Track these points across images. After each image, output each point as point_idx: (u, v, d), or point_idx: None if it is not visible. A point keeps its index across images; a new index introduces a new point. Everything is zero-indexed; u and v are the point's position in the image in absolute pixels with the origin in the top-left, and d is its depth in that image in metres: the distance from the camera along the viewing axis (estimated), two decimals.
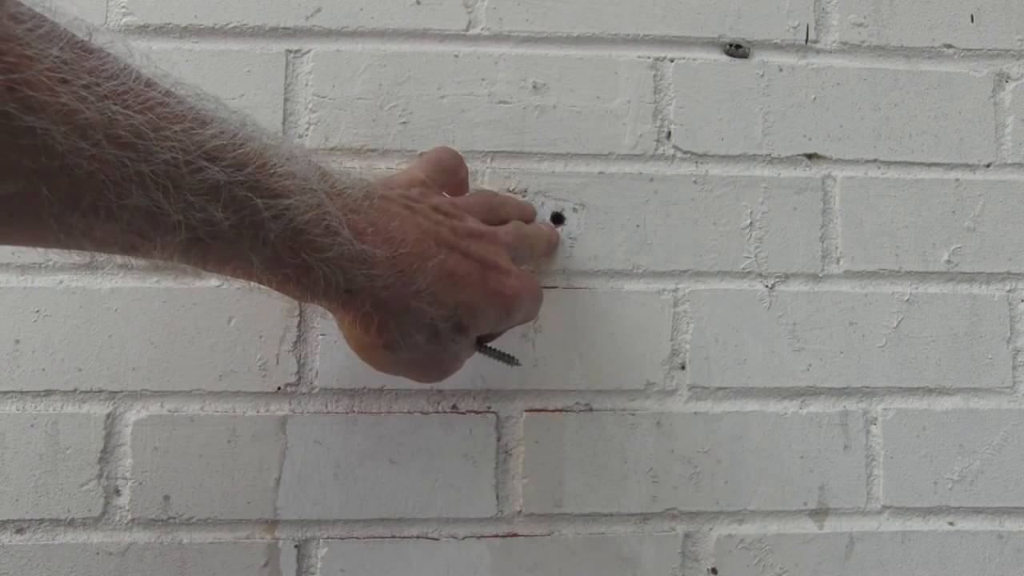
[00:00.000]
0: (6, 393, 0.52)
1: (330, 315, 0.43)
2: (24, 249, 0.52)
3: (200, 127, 0.33)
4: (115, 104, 0.30)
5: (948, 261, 0.57)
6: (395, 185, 0.44)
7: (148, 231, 0.32)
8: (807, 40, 0.58)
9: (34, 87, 0.28)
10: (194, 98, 0.34)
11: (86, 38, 0.32)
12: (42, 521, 0.51)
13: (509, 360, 0.50)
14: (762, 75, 0.57)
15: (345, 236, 0.37)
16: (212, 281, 0.53)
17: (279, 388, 0.53)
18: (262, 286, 0.38)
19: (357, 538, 0.52)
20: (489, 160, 0.55)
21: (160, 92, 0.33)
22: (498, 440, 0.53)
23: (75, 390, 0.52)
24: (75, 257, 0.52)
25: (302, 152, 0.37)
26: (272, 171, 0.35)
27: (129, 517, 0.51)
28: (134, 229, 0.32)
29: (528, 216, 0.53)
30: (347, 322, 0.41)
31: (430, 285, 0.40)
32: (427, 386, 0.53)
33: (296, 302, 0.53)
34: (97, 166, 0.30)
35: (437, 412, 0.53)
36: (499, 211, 0.50)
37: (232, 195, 0.33)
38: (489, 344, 0.49)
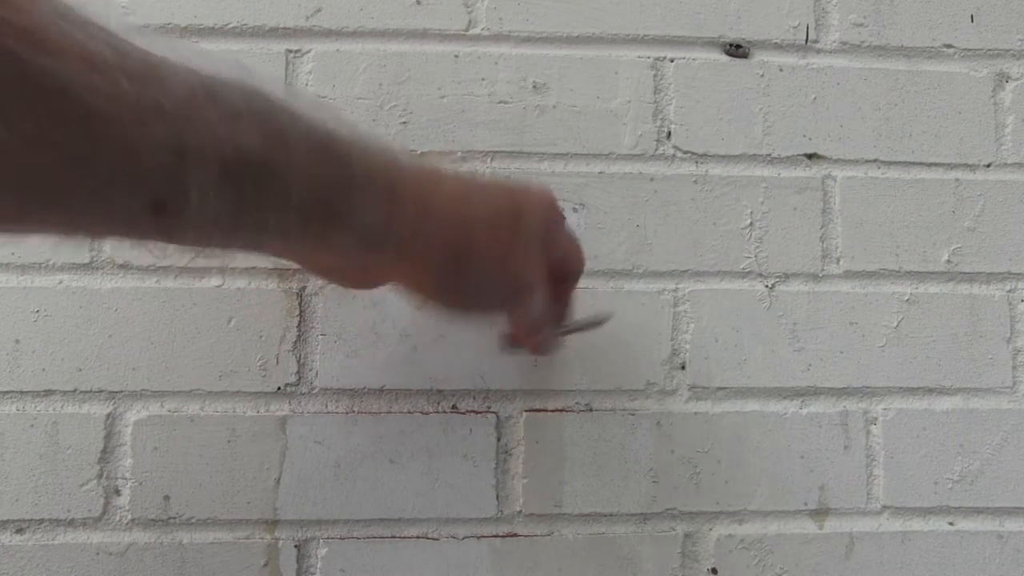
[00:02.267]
0: (6, 393, 0.52)
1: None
2: (24, 249, 0.52)
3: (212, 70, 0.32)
4: (121, 42, 0.29)
5: (948, 261, 0.57)
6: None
7: (177, 168, 0.30)
8: (807, 40, 0.58)
9: (43, 29, 0.27)
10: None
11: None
12: (42, 521, 0.51)
13: (597, 322, 0.50)
14: (762, 75, 0.58)
15: (366, 143, 0.37)
16: (212, 281, 0.53)
17: (279, 388, 0.53)
18: (298, 225, 0.36)
19: (357, 538, 0.52)
20: (489, 160, 0.55)
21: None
22: (498, 440, 0.53)
23: (75, 390, 0.52)
24: (75, 257, 0.52)
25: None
26: (280, 96, 0.35)
27: (129, 517, 0.51)
28: (163, 167, 0.30)
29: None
30: (412, 251, 0.39)
31: (461, 195, 0.40)
32: (427, 386, 0.53)
33: (296, 301, 0.53)
34: (115, 106, 0.28)
35: (437, 412, 0.53)
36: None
37: (254, 113, 0.32)
38: (567, 324, 0.49)
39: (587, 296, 0.55)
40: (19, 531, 0.51)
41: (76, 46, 0.27)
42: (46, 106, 0.27)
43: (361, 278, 0.46)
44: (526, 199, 0.42)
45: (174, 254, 0.34)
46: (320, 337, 0.53)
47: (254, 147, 0.32)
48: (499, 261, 0.41)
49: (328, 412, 0.53)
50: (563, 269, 0.46)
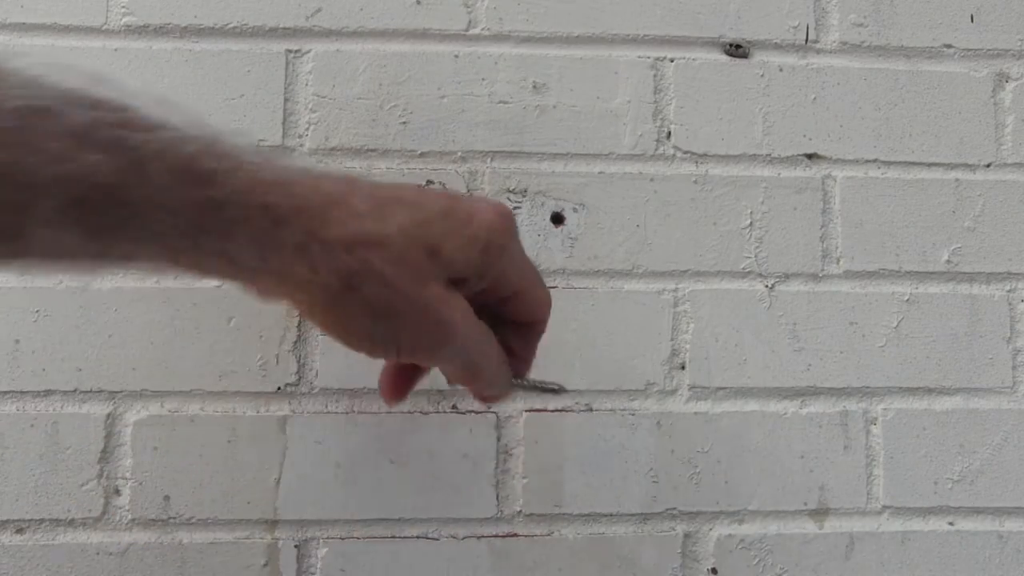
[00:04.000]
0: (6, 393, 0.52)
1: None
2: None
3: (40, 79, 0.29)
4: None
5: (948, 261, 0.57)
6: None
7: (17, 198, 0.27)
8: (807, 40, 0.58)
9: None
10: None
11: None
12: (42, 521, 0.51)
13: (553, 389, 0.44)
14: (762, 75, 0.58)
15: (248, 162, 0.31)
16: (212, 281, 0.53)
17: (279, 388, 0.53)
18: (182, 268, 0.32)
19: (357, 538, 0.52)
20: (489, 160, 0.55)
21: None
22: (498, 440, 0.53)
23: (75, 390, 0.52)
24: None
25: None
26: (142, 111, 0.30)
27: (129, 517, 0.51)
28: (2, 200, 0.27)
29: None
30: (288, 272, 0.33)
31: (372, 209, 0.33)
32: (427, 386, 0.53)
33: None
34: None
35: (437, 412, 0.53)
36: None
37: (100, 137, 0.28)
38: (527, 377, 0.43)
39: (587, 296, 0.55)
40: (19, 531, 0.51)
41: None
42: None
43: (267, 298, 0.37)
44: (467, 215, 0.35)
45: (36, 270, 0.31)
46: (320, 337, 0.53)
47: (102, 172, 0.28)
48: (404, 292, 0.33)
49: (328, 412, 0.53)
50: (521, 312, 0.39)
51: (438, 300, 0.34)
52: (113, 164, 0.28)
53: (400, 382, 0.41)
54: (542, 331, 0.42)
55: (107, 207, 0.29)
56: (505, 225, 0.36)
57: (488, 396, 0.42)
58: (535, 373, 0.44)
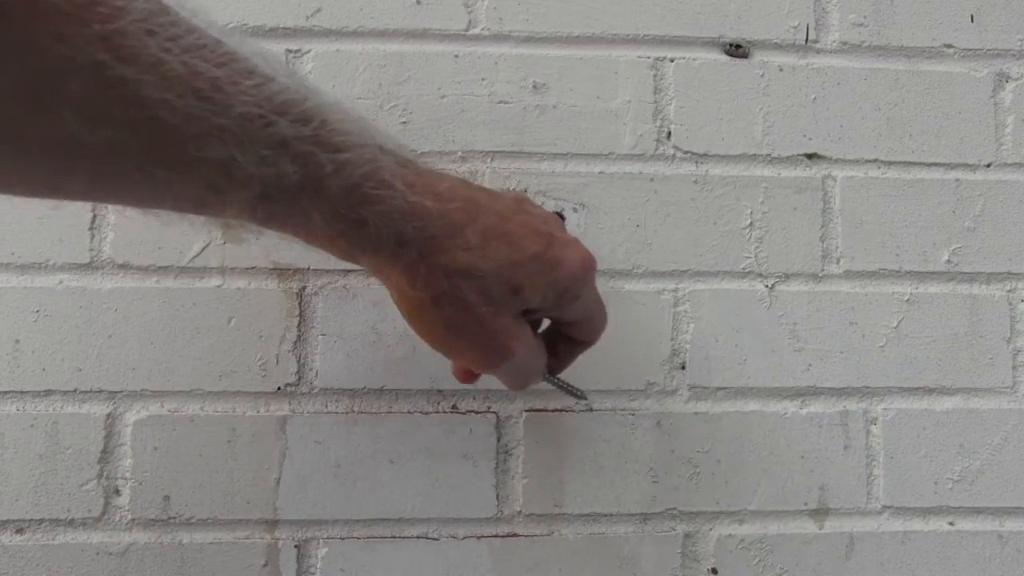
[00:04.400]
0: (6, 393, 0.52)
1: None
2: (24, 249, 0.52)
3: (268, 82, 0.33)
4: (196, 57, 0.31)
5: (948, 261, 0.57)
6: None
7: (223, 185, 0.33)
8: (807, 40, 0.58)
9: (126, 36, 0.29)
10: (254, 54, 0.35)
11: None
12: (42, 521, 0.51)
13: (576, 394, 0.50)
14: (762, 75, 0.58)
15: (398, 189, 0.37)
16: (212, 281, 0.53)
17: (279, 388, 0.53)
18: (313, 245, 0.38)
19: (357, 538, 0.52)
20: (489, 160, 0.55)
21: (229, 48, 0.33)
22: (498, 440, 0.53)
23: (75, 390, 0.52)
24: (75, 257, 0.52)
25: (354, 110, 0.38)
26: (332, 127, 0.35)
27: (129, 517, 0.51)
28: (210, 183, 0.33)
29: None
30: (395, 277, 0.39)
31: (480, 242, 0.39)
32: (427, 386, 0.53)
33: (296, 301, 0.53)
34: (181, 118, 0.30)
35: (437, 412, 0.53)
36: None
37: (298, 150, 0.34)
38: (560, 376, 0.48)
39: None
40: (19, 531, 0.51)
41: (153, 59, 0.30)
42: (121, 112, 0.29)
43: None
44: (555, 262, 0.41)
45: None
46: (320, 337, 0.53)
47: (291, 180, 0.34)
48: (480, 320, 0.40)
49: (328, 412, 0.53)
50: (575, 333, 0.46)
51: (505, 331, 0.40)
52: (301, 175, 0.34)
53: (468, 374, 0.47)
54: (589, 347, 0.48)
55: (284, 206, 0.35)
56: (585, 275, 0.42)
57: (518, 389, 0.48)
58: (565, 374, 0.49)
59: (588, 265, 0.42)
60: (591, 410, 0.54)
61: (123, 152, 0.31)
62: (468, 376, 0.48)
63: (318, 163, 0.34)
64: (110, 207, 0.53)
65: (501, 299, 0.40)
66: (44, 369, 0.52)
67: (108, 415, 0.52)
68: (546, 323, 0.47)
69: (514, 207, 0.42)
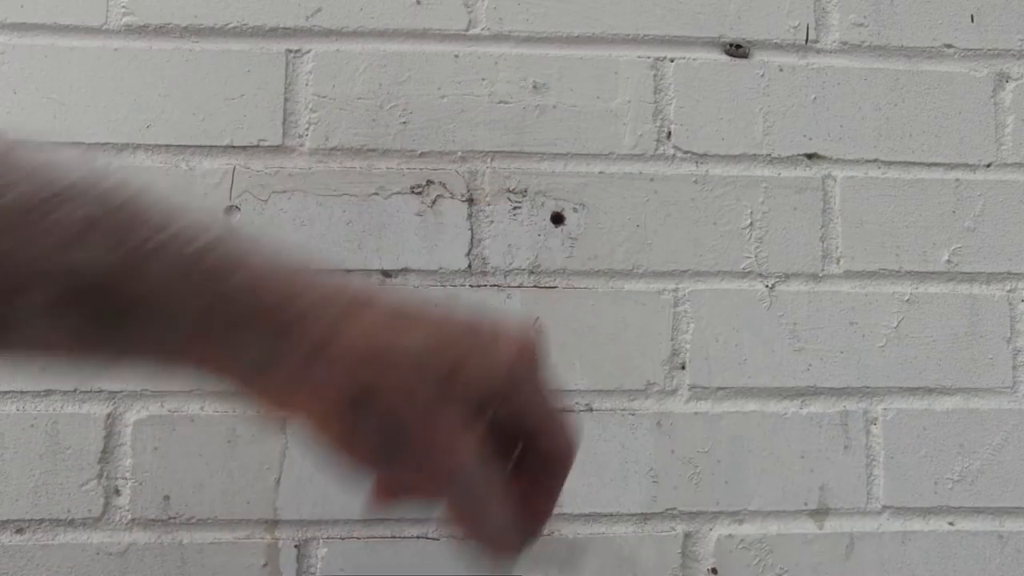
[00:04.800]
0: (6, 393, 0.52)
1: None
2: None
3: (64, 173, 0.28)
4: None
5: (948, 261, 0.57)
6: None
7: (8, 287, 0.27)
8: (807, 40, 0.58)
9: None
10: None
11: None
12: (42, 521, 0.51)
13: (568, 558, 0.42)
14: (762, 75, 0.58)
15: (257, 256, 0.30)
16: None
17: None
18: (187, 367, 0.31)
19: (357, 538, 0.52)
20: (489, 160, 0.55)
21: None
22: None
23: (75, 390, 0.52)
24: None
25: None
26: (146, 206, 0.30)
27: (129, 517, 0.51)
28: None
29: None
30: (302, 399, 0.31)
31: (388, 322, 0.31)
32: None
33: None
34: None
35: None
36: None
37: (106, 227, 0.28)
38: (542, 535, 0.38)
39: (587, 296, 0.55)
40: (19, 531, 0.51)
41: None
42: None
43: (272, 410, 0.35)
44: (493, 334, 0.32)
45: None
46: None
47: (100, 266, 0.27)
48: (413, 422, 0.31)
49: None
50: (539, 455, 0.36)
51: (446, 438, 0.31)
52: (111, 259, 0.27)
53: (390, 493, 0.36)
54: (562, 482, 0.37)
55: (103, 301, 0.28)
56: (532, 350, 0.33)
57: (497, 551, 0.37)
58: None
59: (531, 339, 0.33)
60: (591, 410, 0.54)
61: None
62: (389, 494, 0.36)
63: (131, 242, 0.28)
64: None
65: (436, 383, 0.30)
66: (44, 369, 0.52)
67: (108, 415, 0.52)
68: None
69: (429, 301, 0.32)
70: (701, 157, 0.57)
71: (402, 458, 0.32)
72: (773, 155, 0.57)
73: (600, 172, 0.56)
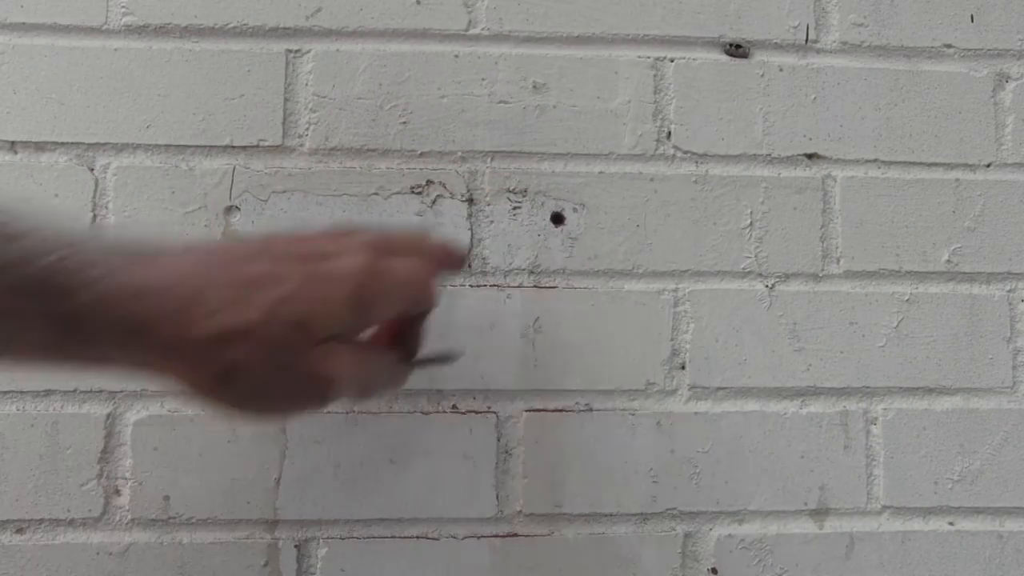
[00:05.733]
0: (6, 393, 0.52)
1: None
2: None
3: None
4: None
5: (948, 261, 0.57)
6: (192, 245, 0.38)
7: None
8: (807, 40, 0.58)
9: None
10: None
11: None
12: (42, 521, 0.51)
13: (445, 360, 0.48)
14: (762, 75, 0.58)
15: (103, 269, 0.32)
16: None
17: None
18: (51, 363, 0.33)
19: (357, 538, 0.52)
20: (489, 160, 0.55)
21: None
22: (498, 440, 0.53)
23: (75, 390, 0.52)
24: None
25: (56, 217, 0.34)
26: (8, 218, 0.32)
27: (129, 517, 0.51)
28: None
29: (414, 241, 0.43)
30: (168, 373, 0.34)
31: (230, 296, 0.33)
32: (427, 386, 0.53)
33: None
34: None
35: (437, 412, 0.53)
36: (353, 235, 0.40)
37: None
38: (418, 357, 0.44)
39: (587, 296, 0.55)
40: (19, 531, 0.51)
41: None
42: None
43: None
44: (327, 276, 0.35)
45: None
46: None
47: None
48: (278, 375, 0.35)
49: (328, 412, 0.53)
50: (403, 318, 0.41)
51: (312, 366, 0.35)
52: None
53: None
54: (423, 321, 0.43)
55: None
56: (371, 281, 0.36)
57: (381, 395, 0.44)
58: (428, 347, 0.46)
59: (367, 270, 0.36)
60: (591, 410, 0.54)
61: None
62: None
63: None
64: (111, 207, 0.53)
65: (286, 342, 0.34)
66: None
67: (108, 415, 0.52)
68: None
69: (260, 246, 0.36)
70: (701, 157, 0.57)
71: (281, 403, 0.37)
72: (773, 155, 0.57)
73: (600, 172, 0.56)
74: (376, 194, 0.54)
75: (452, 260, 0.44)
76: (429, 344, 0.46)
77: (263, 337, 0.34)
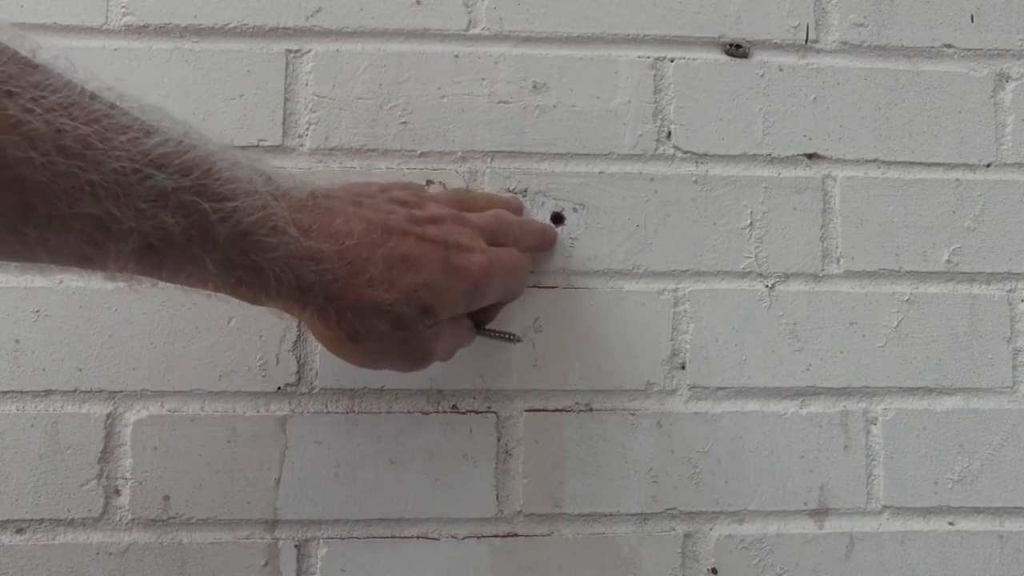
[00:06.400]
0: (6, 393, 0.52)
1: (287, 316, 0.42)
2: None
3: (145, 136, 0.34)
4: (62, 116, 0.32)
5: (948, 261, 0.57)
6: (349, 186, 0.44)
7: (101, 240, 0.33)
8: (807, 40, 0.58)
9: None
10: (138, 109, 0.35)
11: (29, 54, 0.33)
12: (42, 521, 0.51)
13: (510, 338, 0.51)
14: (762, 75, 0.58)
15: (292, 235, 0.38)
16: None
17: (279, 388, 0.53)
18: (219, 293, 0.39)
19: (357, 538, 0.52)
20: (489, 160, 0.55)
21: (105, 104, 0.34)
22: (498, 440, 0.53)
23: (75, 390, 0.52)
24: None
25: (247, 158, 0.38)
26: (217, 176, 0.36)
27: (129, 517, 0.51)
28: (87, 238, 0.33)
29: (513, 208, 0.52)
30: (307, 319, 0.41)
31: (383, 272, 0.40)
32: (427, 386, 0.53)
33: None
34: (48, 176, 0.31)
35: (437, 412, 0.53)
36: (475, 203, 0.50)
37: (180, 200, 0.34)
38: (487, 326, 0.50)
39: (587, 296, 0.55)
40: (19, 531, 0.51)
41: (13, 120, 0.30)
42: None
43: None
44: (457, 271, 0.43)
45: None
46: None
47: (175, 230, 0.34)
48: (397, 344, 0.42)
49: (328, 412, 0.53)
50: (494, 309, 0.49)
51: (424, 342, 0.43)
52: (185, 225, 0.34)
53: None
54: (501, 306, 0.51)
55: (172, 257, 0.35)
56: (489, 279, 0.44)
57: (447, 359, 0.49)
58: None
59: (489, 269, 0.44)
60: (591, 410, 0.54)
61: None
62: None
63: (202, 213, 0.35)
64: None
65: (413, 322, 0.41)
66: (44, 369, 0.52)
67: (108, 415, 0.52)
68: None
69: (405, 219, 0.43)
70: (701, 157, 0.57)
71: (388, 363, 0.45)
72: (773, 155, 0.57)
73: (600, 172, 0.56)
74: None
75: (545, 245, 0.54)
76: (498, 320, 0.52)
77: (397, 315, 0.41)
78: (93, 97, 0.34)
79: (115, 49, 0.54)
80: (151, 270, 0.36)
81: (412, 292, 0.41)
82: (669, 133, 0.57)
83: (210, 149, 0.36)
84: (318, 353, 0.53)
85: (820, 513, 0.55)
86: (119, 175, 0.33)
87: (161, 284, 0.38)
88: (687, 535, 0.54)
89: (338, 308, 0.39)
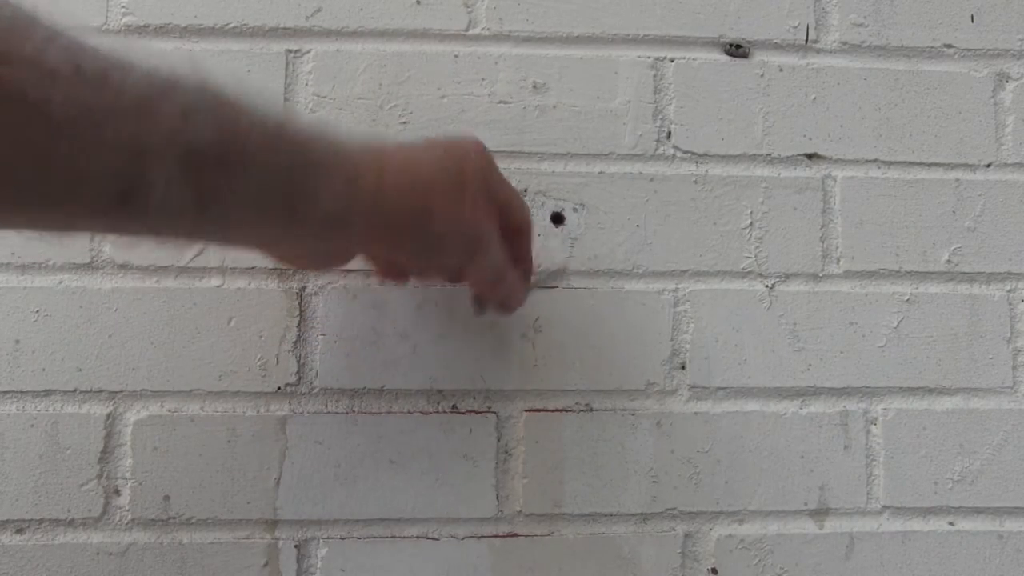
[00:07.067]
0: (6, 393, 0.52)
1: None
2: (24, 249, 0.52)
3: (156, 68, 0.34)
4: (78, 52, 0.33)
5: (948, 261, 0.57)
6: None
7: (137, 154, 0.33)
8: (807, 40, 0.58)
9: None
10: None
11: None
12: (42, 521, 0.51)
13: (558, 276, 0.53)
14: (762, 75, 0.58)
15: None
16: (212, 281, 0.53)
17: (279, 388, 0.53)
18: (264, 229, 0.39)
19: (357, 538, 0.52)
20: None
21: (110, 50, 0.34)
22: (498, 440, 0.53)
23: (75, 390, 0.52)
24: (75, 257, 0.52)
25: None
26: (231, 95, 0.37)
27: (129, 517, 0.51)
28: (127, 150, 0.32)
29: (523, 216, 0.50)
30: (374, 220, 0.41)
31: (404, 165, 0.41)
32: (427, 385, 0.53)
33: (296, 301, 0.53)
34: (72, 109, 0.31)
35: (437, 412, 0.53)
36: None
37: (209, 107, 0.35)
38: (533, 282, 0.51)
39: (587, 296, 0.55)
40: (19, 531, 0.51)
41: (32, 56, 0.30)
42: (5, 112, 0.29)
43: (328, 261, 0.48)
44: (463, 152, 0.44)
45: (146, 246, 0.36)
46: (320, 337, 0.53)
47: (209, 141, 0.34)
48: (455, 216, 0.42)
49: (328, 412, 0.53)
50: (512, 221, 0.47)
51: (475, 216, 0.42)
52: (216, 134, 0.34)
53: (487, 295, 0.50)
54: (530, 236, 0.49)
55: (215, 170, 0.34)
56: (485, 153, 0.45)
57: (512, 302, 0.50)
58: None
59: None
60: (591, 410, 0.54)
61: (15, 154, 0.30)
62: (393, 274, 0.50)
63: (229, 118, 0.35)
64: None
65: (457, 193, 0.42)
66: (44, 369, 0.52)
67: (108, 415, 0.52)
68: None
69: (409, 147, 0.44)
70: (701, 157, 0.57)
71: (460, 242, 0.43)
72: (773, 155, 0.57)
73: (600, 172, 0.56)
74: None
75: (512, 303, 0.51)
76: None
77: (443, 188, 0.42)
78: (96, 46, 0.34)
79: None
80: (197, 195, 0.34)
81: (441, 168, 0.42)
82: (669, 133, 0.57)
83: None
84: (318, 353, 0.53)
85: (820, 513, 0.55)
86: (141, 95, 0.32)
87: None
88: (687, 535, 0.54)
89: (390, 185, 0.40)
